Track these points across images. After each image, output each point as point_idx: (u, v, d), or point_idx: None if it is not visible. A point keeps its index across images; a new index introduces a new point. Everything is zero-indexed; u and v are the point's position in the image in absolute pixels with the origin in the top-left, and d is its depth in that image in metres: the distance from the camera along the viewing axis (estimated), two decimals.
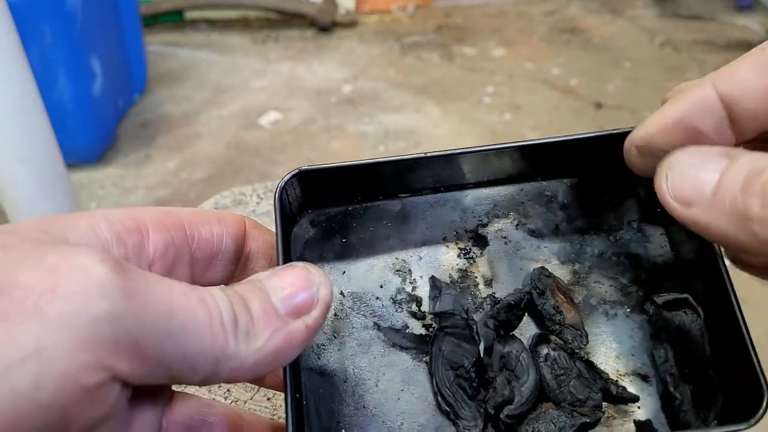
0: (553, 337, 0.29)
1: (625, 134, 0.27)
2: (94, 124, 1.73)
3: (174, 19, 2.57)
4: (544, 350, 0.29)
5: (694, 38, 2.49)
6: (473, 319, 0.29)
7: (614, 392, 0.28)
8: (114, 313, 0.18)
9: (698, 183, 0.22)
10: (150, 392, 0.24)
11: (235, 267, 0.28)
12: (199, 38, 2.52)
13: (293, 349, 0.22)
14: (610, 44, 2.47)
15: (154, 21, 2.49)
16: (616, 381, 0.29)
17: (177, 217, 0.25)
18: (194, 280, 0.26)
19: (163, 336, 0.19)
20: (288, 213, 0.29)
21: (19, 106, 1.03)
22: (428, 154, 0.29)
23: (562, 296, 0.30)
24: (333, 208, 0.31)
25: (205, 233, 0.26)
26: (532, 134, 1.94)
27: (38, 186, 1.11)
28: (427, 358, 0.29)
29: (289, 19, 2.59)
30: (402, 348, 0.29)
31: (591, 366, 0.29)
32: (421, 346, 0.29)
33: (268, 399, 0.40)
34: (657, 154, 0.24)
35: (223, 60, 2.37)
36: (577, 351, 0.29)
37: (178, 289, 0.20)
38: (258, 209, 0.57)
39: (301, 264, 0.24)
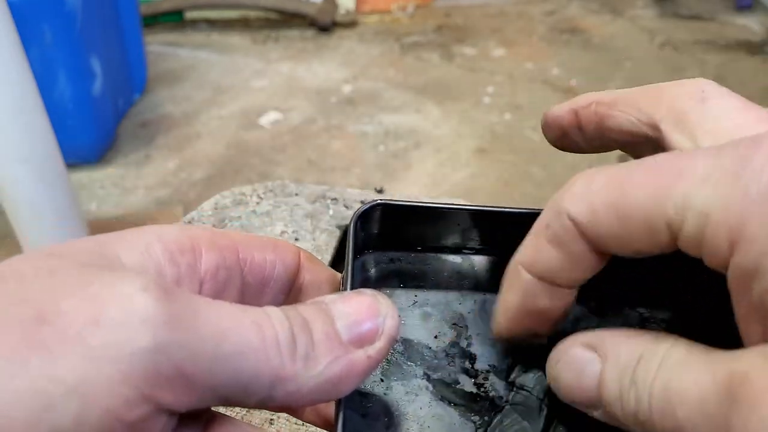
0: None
1: None
2: (94, 124, 1.73)
3: (174, 19, 2.58)
4: None
5: (694, 38, 2.49)
6: (546, 402, 0.27)
7: None
8: (157, 343, 0.18)
9: (584, 391, 0.22)
10: (192, 418, 0.23)
11: (286, 298, 0.27)
12: (199, 38, 2.52)
13: (353, 379, 0.21)
14: (610, 44, 2.47)
15: (154, 21, 2.49)
16: None
17: (230, 240, 0.25)
18: None
19: (212, 362, 0.19)
20: (360, 243, 0.28)
21: (19, 106, 1.03)
22: (512, 210, 0.28)
23: None
24: (395, 252, 0.30)
25: (258, 258, 0.25)
26: (532, 135, 1.94)
27: (38, 186, 1.11)
28: (475, 416, 0.27)
29: (289, 19, 2.59)
30: (451, 403, 0.27)
31: None
32: (470, 404, 0.27)
33: None
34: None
35: (223, 60, 2.37)
36: None
37: (228, 311, 0.20)
38: (258, 209, 0.57)
39: (369, 291, 0.23)
